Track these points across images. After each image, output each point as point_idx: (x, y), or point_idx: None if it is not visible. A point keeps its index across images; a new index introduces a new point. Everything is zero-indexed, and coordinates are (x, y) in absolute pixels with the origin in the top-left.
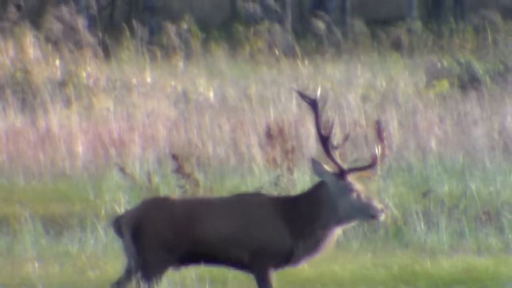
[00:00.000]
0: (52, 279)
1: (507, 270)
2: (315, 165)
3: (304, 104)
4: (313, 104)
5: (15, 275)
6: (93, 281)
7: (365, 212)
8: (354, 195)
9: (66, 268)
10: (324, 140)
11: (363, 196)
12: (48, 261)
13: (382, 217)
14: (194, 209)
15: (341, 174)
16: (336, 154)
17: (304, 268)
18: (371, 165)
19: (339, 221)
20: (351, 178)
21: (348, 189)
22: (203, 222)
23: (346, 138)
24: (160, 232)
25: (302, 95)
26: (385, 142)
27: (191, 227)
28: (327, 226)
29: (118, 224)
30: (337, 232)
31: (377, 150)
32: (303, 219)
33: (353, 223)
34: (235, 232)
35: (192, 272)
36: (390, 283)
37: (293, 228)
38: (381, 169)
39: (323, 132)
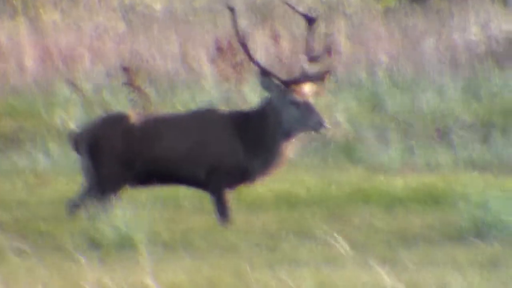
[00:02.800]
0: (2, 196)
1: (458, 187)
2: (261, 77)
3: (254, 17)
4: (231, 10)
5: None
6: (44, 198)
7: (307, 124)
8: (296, 106)
9: (17, 185)
10: (244, 47)
11: (306, 107)
12: None
13: (324, 130)
14: (151, 126)
15: (284, 85)
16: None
17: (257, 187)
18: (318, 76)
19: (286, 135)
20: (297, 91)
21: (290, 100)
22: (159, 138)
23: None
24: (117, 148)
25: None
26: (333, 55)
27: (147, 143)
28: (276, 140)
29: (74, 140)
30: (291, 147)
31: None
32: (254, 134)
33: (299, 136)
34: (191, 148)
35: (144, 193)
36: (344, 201)
37: (246, 143)
38: (330, 84)
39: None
